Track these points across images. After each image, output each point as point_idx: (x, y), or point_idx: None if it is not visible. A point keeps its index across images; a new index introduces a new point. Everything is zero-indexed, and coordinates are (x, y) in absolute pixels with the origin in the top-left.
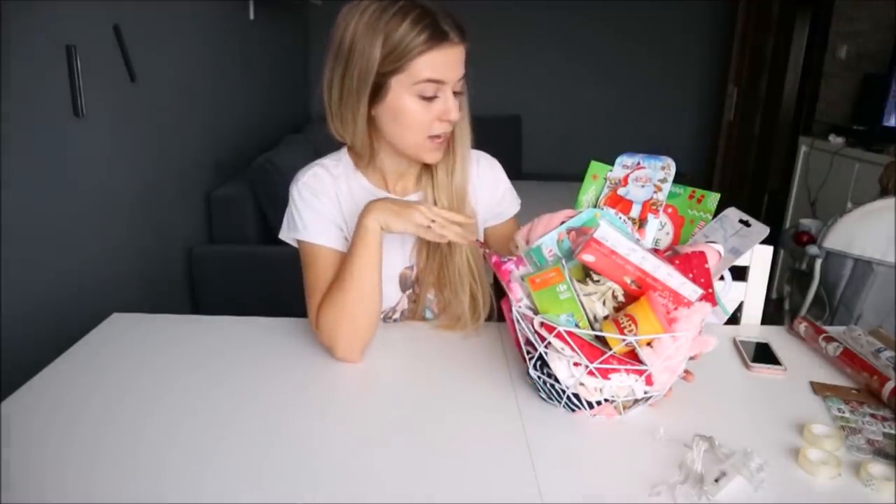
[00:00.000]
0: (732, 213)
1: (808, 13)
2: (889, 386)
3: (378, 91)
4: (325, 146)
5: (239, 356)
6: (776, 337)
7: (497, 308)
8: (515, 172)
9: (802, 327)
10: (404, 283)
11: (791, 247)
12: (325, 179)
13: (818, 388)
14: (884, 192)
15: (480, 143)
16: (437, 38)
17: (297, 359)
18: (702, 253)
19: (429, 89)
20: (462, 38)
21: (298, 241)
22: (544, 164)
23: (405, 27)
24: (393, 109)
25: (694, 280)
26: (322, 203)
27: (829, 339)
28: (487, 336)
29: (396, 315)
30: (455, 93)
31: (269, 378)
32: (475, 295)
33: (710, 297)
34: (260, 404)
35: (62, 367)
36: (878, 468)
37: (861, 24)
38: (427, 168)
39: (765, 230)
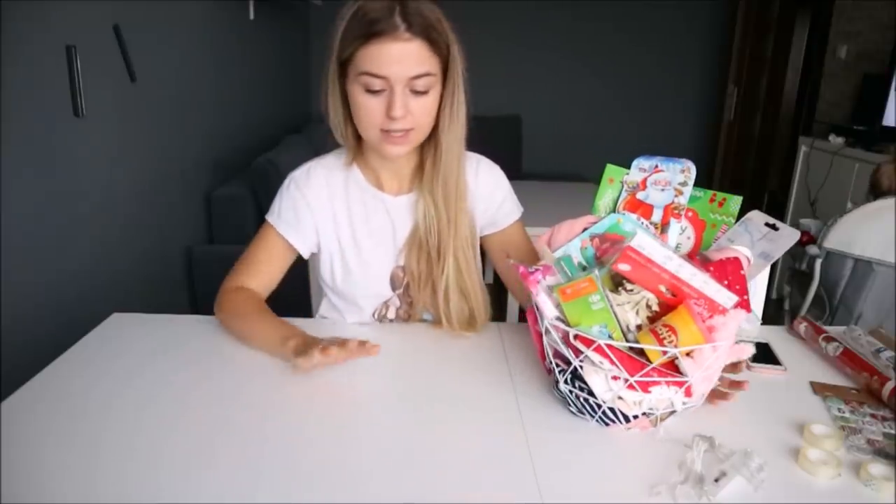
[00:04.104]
0: (757, 217)
1: (808, 13)
2: (889, 386)
3: (343, 80)
4: (325, 146)
5: (238, 356)
6: (776, 337)
7: (497, 310)
8: (515, 172)
9: (802, 327)
10: (395, 283)
11: (791, 247)
12: (317, 178)
13: (818, 388)
14: (875, 191)
15: (480, 142)
16: (377, 30)
17: None
18: (737, 259)
19: (373, 83)
20: (419, 35)
21: (265, 220)
22: (544, 164)
23: (358, 16)
24: (350, 99)
25: (729, 287)
26: (306, 201)
27: (829, 339)
28: (487, 336)
29: (391, 314)
30: (418, 92)
31: (269, 378)
32: (469, 298)
33: (745, 303)
34: (259, 404)
35: (62, 367)
36: (878, 468)
37: (861, 24)
38: (419, 169)
39: (795, 234)
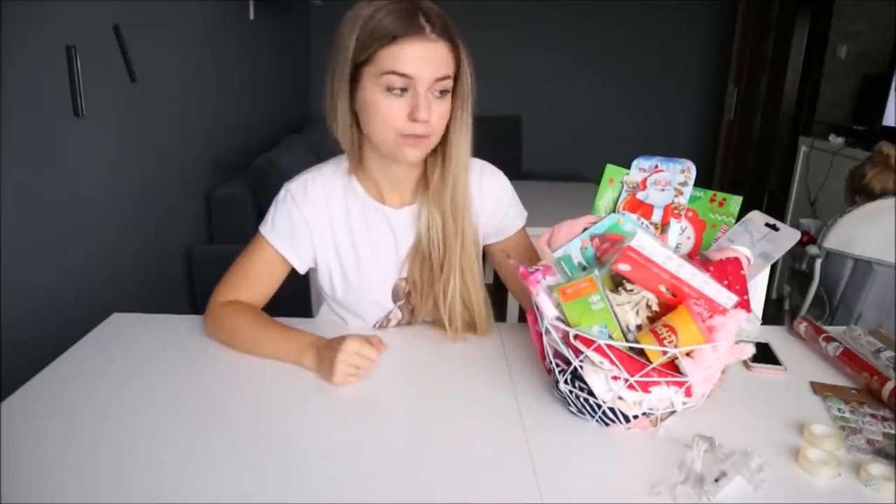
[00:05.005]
0: (757, 217)
1: (808, 13)
2: (889, 386)
3: (354, 83)
4: (325, 146)
5: (238, 356)
6: (776, 337)
7: (497, 310)
8: (515, 172)
9: (802, 327)
10: (396, 295)
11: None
12: (314, 189)
13: (818, 388)
14: (867, 195)
15: (480, 143)
16: (407, 29)
17: None
18: (737, 259)
19: (396, 83)
20: (443, 36)
21: (259, 231)
22: (544, 164)
23: (378, 17)
24: (364, 102)
25: (729, 287)
26: (302, 216)
27: (829, 339)
28: (487, 336)
29: (392, 324)
30: (438, 96)
31: (268, 378)
32: (471, 308)
33: (745, 303)
34: (259, 404)
35: (62, 367)
36: (878, 468)
37: (861, 24)
38: (423, 179)
39: (795, 234)
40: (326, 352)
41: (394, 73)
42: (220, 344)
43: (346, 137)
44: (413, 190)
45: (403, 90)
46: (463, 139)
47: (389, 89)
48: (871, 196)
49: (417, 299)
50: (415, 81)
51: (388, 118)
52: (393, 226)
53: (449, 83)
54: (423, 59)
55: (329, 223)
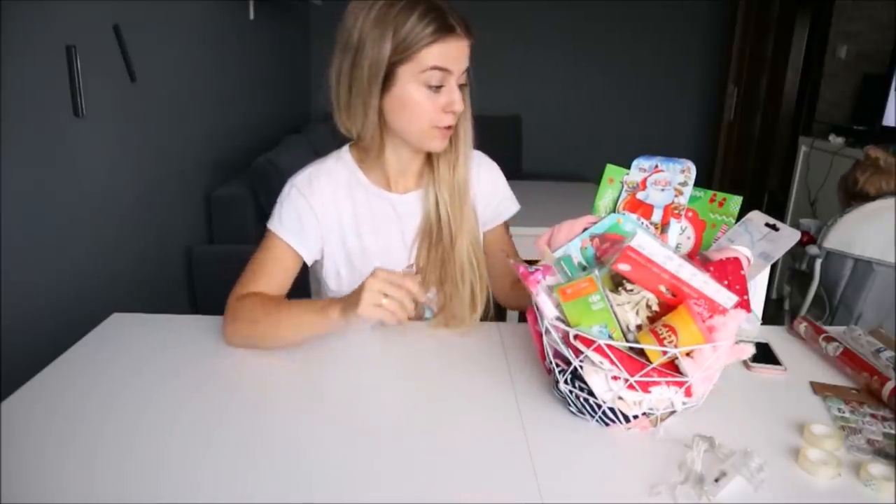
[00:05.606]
0: (757, 217)
1: (808, 13)
2: (889, 386)
3: (386, 81)
4: (325, 146)
5: (238, 356)
6: (776, 337)
7: (495, 305)
8: (515, 172)
9: (802, 327)
10: None
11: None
12: (320, 183)
13: (818, 388)
14: (861, 198)
15: (480, 142)
16: (445, 29)
17: (296, 358)
18: (737, 259)
19: (435, 78)
20: (467, 34)
21: (267, 228)
22: (544, 164)
23: (414, 19)
24: (400, 99)
25: (729, 287)
26: (310, 208)
27: (829, 339)
28: (487, 336)
29: None
30: (460, 85)
31: (269, 377)
32: (474, 290)
33: (745, 303)
34: (259, 404)
35: (62, 367)
36: (878, 468)
37: (861, 24)
38: (429, 165)
39: (795, 234)
40: (353, 294)
41: (437, 69)
42: (242, 350)
43: (370, 132)
44: (418, 175)
45: (439, 86)
46: (469, 125)
47: (429, 85)
48: (868, 200)
49: (425, 278)
50: (451, 76)
51: (426, 111)
52: (399, 212)
53: (466, 76)
54: (457, 55)
55: (336, 216)
